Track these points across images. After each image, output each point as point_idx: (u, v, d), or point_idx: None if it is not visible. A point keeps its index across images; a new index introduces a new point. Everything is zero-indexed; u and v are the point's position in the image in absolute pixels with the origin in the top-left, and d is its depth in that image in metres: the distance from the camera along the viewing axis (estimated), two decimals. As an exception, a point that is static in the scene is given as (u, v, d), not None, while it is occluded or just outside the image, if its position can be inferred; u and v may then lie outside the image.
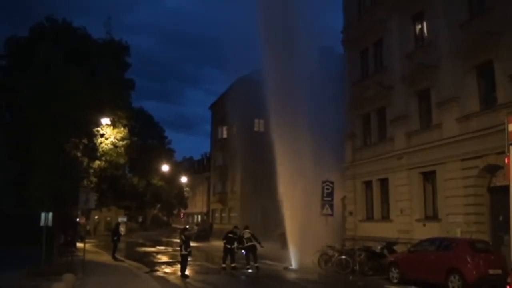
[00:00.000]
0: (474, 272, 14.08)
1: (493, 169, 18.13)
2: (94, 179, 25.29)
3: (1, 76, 24.27)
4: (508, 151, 10.75)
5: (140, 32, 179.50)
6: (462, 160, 19.33)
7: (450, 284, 14.46)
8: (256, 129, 49.41)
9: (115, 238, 26.05)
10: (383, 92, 25.37)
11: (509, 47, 17.33)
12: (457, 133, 19.69)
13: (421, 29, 23.30)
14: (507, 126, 9.87)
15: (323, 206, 23.14)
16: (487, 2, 18.94)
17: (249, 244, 20.77)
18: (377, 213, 25.92)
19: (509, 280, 11.97)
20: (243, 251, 20.98)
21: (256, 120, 49.28)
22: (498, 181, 18.02)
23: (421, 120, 22.69)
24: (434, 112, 21.50)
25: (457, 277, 14.34)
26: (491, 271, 14.04)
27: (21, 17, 55.74)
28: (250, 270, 20.22)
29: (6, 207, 24.63)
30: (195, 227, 53.71)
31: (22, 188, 18.87)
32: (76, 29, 25.54)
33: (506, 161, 11.79)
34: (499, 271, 13.74)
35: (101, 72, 23.25)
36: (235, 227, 22.70)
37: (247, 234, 21.04)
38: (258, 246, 20.85)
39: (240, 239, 21.05)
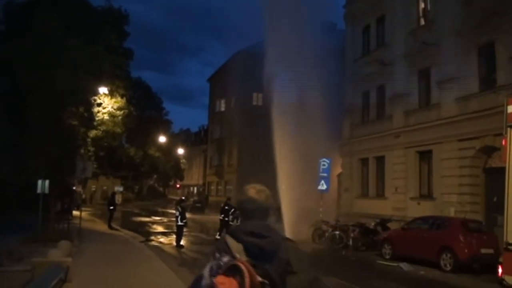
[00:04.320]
0: (466, 251, 14.25)
1: (490, 151, 18.21)
2: (91, 148, 25.28)
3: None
4: (506, 132, 10.78)
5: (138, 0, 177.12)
6: (459, 140, 19.39)
7: (442, 261, 14.66)
8: (254, 103, 49.13)
9: (111, 207, 26.17)
10: (383, 69, 25.26)
11: (511, 28, 17.21)
12: (456, 114, 19.70)
13: (425, 7, 23.08)
14: (506, 108, 9.88)
15: (319, 182, 23.22)
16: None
17: None
18: (372, 190, 26.09)
19: (500, 259, 12.16)
20: None
21: (254, 94, 48.94)
22: (494, 163, 18.12)
23: (420, 99, 22.65)
24: (433, 92, 21.46)
25: (449, 255, 14.52)
26: (483, 251, 14.21)
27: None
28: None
29: (4, 175, 24.62)
30: (190, 199, 54.04)
31: (19, 156, 18.82)
32: (76, -5, 25.16)
33: (503, 142, 11.83)
34: (491, 251, 13.91)
35: (100, 41, 23.01)
36: (228, 198, 22.86)
37: None
38: None
39: None
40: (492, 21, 18.09)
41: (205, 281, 2.12)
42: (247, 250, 2.21)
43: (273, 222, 25.53)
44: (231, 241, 2.27)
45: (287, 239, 2.51)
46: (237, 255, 2.18)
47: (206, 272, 2.16)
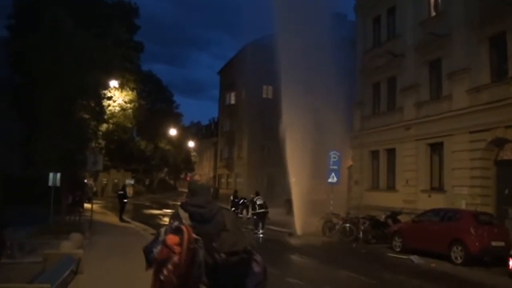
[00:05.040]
0: (477, 244, 14.14)
1: (501, 143, 18.06)
2: (102, 142, 25.41)
3: (10, 36, 24.15)
4: (518, 124, 10.68)
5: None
6: (471, 132, 19.22)
7: (452, 254, 14.56)
8: (264, 95, 49.13)
9: (125, 200, 26.32)
10: (394, 60, 25.09)
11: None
12: (467, 105, 19.53)
13: (436, -3, 22.85)
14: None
15: (329, 174, 23.17)
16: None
17: (261, 210, 20.82)
18: (382, 182, 26.00)
19: (511, 252, 12.11)
20: (254, 216, 21.08)
21: (264, 87, 48.94)
22: (505, 155, 17.99)
23: (431, 90, 22.48)
24: (444, 83, 21.28)
25: (459, 248, 14.41)
26: (494, 243, 14.10)
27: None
28: (260, 236, 20.26)
29: (14, 168, 24.84)
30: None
31: (30, 149, 18.98)
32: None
33: (515, 134, 11.69)
34: (502, 244, 13.83)
35: (110, 34, 23.06)
36: (235, 191, 22.86)
37: (259, 201, 21.02)
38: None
39: (253, 205, 21.11)
40: (503, 11, 17.86)
41: (161, 237, 3.07)
42: (191, 217, 3.15)
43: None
44: (181, 211, 3.23)
45: (224, 208, 3.49)
46: (184, 221, 3.11)
47: (162, 232, 3.12)
